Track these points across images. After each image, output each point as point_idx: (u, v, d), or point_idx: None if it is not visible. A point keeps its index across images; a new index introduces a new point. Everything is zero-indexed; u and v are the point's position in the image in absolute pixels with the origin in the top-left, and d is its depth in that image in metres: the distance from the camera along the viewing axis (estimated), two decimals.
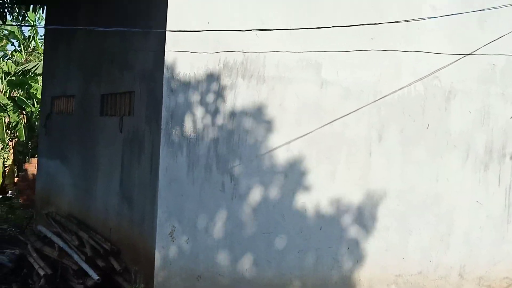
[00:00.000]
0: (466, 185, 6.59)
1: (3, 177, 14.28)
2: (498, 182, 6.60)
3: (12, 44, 15.53)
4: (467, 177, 6.56)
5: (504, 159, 6.64)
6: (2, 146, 14.19)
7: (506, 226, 6.70)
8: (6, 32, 13.29)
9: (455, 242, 6.53)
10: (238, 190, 5.85)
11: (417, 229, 6.40)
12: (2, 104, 14.09)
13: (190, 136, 5.64)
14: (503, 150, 6.65)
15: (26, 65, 15.35)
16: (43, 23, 12.60)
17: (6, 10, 9.82)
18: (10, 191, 14.44)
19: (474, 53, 6.40)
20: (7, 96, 14.63)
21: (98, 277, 6.39)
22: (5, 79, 14.93)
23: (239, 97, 5.78)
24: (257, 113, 5.91)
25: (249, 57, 5.70)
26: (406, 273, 6.34)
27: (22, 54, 16.35)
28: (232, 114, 5.75)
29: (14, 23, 11.46)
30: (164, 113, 5.55)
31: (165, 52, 5.59)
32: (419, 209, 6.43)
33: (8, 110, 14.13)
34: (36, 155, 12.34)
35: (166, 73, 5.58)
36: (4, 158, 14.38)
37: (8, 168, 14.64)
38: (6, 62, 15.58)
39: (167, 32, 5.61)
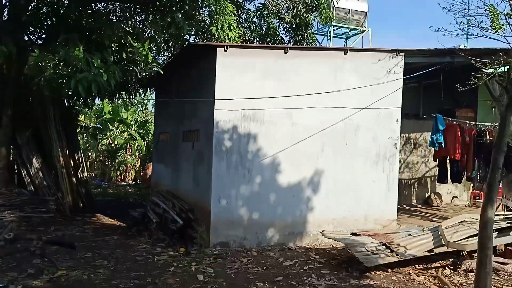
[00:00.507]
0: (367, 173, 8.65)
1: (135, 173, 20.51)
2: (383, 171, 8.72)
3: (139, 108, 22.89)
4: (367, 169, 8.64)
5: (385, 160, 8.72)
6: (134, 158, 20.29)
7: (387, 193, 8.74)
8: (136, 102, 19.83)
9: (362, 202, 8.59)
10: (252, 178, 7.92)
11: (343, 196, 8.45)
12: (135, 136, 20.51)
13: (227, 151, 7.79)
14: (384, 155, 8.74)
15: (146, 117, 22.59)
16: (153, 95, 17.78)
17: (136, 90, 12.99)
18: (138, 180, 19.17)
19: (368, 107, 8.56)
20: (137, 132, 21.04)
21: (182, 222, 8.34)
22: (136, 123, 21.52)
23: (251, 131, 7.96)
24: (260, 138, 8.04)
25: (256, 111, 7.90)
26: (337, 218, 8.43)
27: (143, 111, 23.39)
28: (247, 139, 7.94)
29: (138, 98, 16.68)
30: (214, 140, 7.72)
31: (214, 109, 7.71)
32: (344, 185, 8.49)
33: (138, 139, 20.33)
34: (151, 162, 16.37)
35: (214, 121, 7.71)
36: (135, 163, 20.33)
37: (137, 168, 20.62)
38: (137, 115, 22.38)
39: (215, 100, 7.72)
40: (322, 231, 8.07)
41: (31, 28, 10.68)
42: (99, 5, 11.67)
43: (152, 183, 13.38)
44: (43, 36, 10.80)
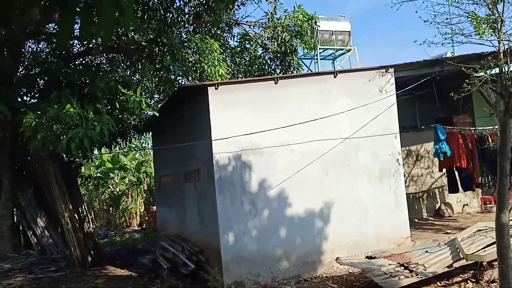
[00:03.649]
0: (373, 192, 8.51)
1: (140, 218, 19.90)
2: (389, 188, 8.60)
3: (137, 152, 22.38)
4: (372, 188, 8.50)
5: (390, 177, 8.61)
6: (137, 203, 19.72)
7: (397, 210, 8.59)
8: (133, 146, 19.50)
9: (372, 222, 8.41)
10: (258, 211, 7.80)
11: (352, 218, 8.29)
12: (135, 180, 20.29)
13: (230, 188, 7.69)
14: (388, 172, 8.63)
15: (144, 159, 21.96)
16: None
17: (132, 137, 12.82)
18: (144, 225, 18.74)
19: (365, 126, 8.54)
20: (137, 176, 20.75)
21: (193, 266, 8.20)
22: (136, 169, 21.11)
23: (252, 164, 7.88)
24: (261, 171, 7.95)
25: (253, 144, 7.86)
26: (349, 242, 8.22)
27: (141, 154, 22.65)
28: (249, 173, 7.86)
29: (135, 143, 17.00)
30: (215, 178, 7.65)
31: (212, 149, 7.69)
32: (351, 207, 8.34)
33: (139, 184, 20.17)
34: (154, 204, 16.07)
35: (214, 160, 7.67)
36: (139, 208, 19.79)
37: (142, 212, 20.04)
38: (134, 159, 21.97)
39: (212, 140, 7.69)
40: (337, 257, 7.86)
41: (23, 89, 10.75)
42: (86, 59, 11.81)
43: (158, 227, 13.26)
44: (36, 95, 10.86)
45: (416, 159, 12.59)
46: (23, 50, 11.23)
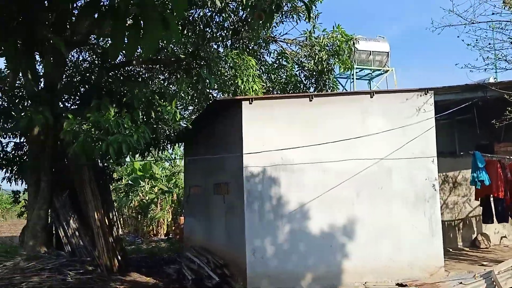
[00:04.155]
0: (406, 217, 8.30)
1: (167, 227, 20.03)
2: (424, 214, 8.35)
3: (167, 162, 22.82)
4: (406, 213, 8.29)
5: (425, 202, 8.37)
6: (165, 212, 19.96)
7: (431, 237, 8.30)
8: (164, 156, 19.78)
9: (404, 248, 8.18)
10: (286, 229, 7.78)
11: (383, 243, 8.10)
12: (165, 190, 20.53)
13: (258, 203, 7.74)
14: (423, 197, 8.39)
15: (174, 170, 22.34)
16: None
17: (165, 147, 12.84)
18: (170, 234, 18.90)
19: (401, 149, 8.39)
20: (166, 186, 21.07)
21: (218, 279, 8.13)
22: (166, 177, 21.61)
23: (281, 181, 7.89)
24: (291, 188, 7.92)
25: (285, 160, 7.86)
26: (379, 267, 7.99)
27: (172, 165, 22.86)
28: (279, 190, 7.85)
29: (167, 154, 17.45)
30: (245, 193, 7.71)
31: (243, 162, 7.77)
32: (383, 231, 8.15)
33: (168, 193, 20.37)
34: (182, 215, 16.55)
35: (244, 173, 7.72)
36: (167, 217, 19.98)
37: (169, 222, 20.19)
38: (164, 168, 22.51)
39: (244, 154, 7.78)
40: (365, 282, 7.70)
41: (65, 95, 11.25)
42: (126, 69, 12.24)
43: (185, 237, 13.41)
44: (77, 102, 11.33)
45: (453, 186, 12.15)
46: (67, 59, 11.76)
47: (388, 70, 24.26)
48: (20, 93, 10.97)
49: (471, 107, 9.62)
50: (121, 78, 11.41)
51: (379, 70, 24.21)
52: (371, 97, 8.62)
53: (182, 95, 13.86)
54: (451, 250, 11.08)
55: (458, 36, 6.05)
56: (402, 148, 8.43)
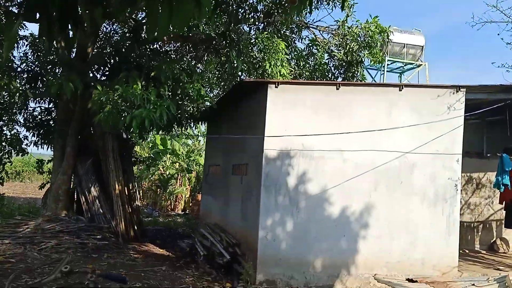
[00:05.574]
0: (424, 214, 8.20)
1: (185, 203, 20.73)
2: (442, 213, 8.22)
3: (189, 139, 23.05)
4: (424, 210, 8.19)
5: (445, 202, 8.23)
6: (184, 188, 20.63)
7: (448, 237, 8.18)
8: (187, 133, 20.54)
9: (419, 245, 8.10)
10: (300, 215, 7.79)
11: (397, 237, 8.05)
12: (185, 167, 21.18)
13: (275, 187, 7.76)
14: (444, 196, 8.25)
15: (195, 147, 22.77)
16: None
17: (188, 124, 13.04)
18: (187, 210, 19.61)
19: (425, 145, 8.20)
20: (187, 163, 21.60)
21: (229, 257, 8.31)
22: (186, 156, 21.97)
23: (300, 166, 7.84)
24: (309, 174, 7.89)
25: (306, 147, 7.80)
26: (391, 261, 7.98)
27: (193, 143, 23.26)
28: (297, 175, 7.83)
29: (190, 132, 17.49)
30: (263, 175, 7.72)
31: (264, 145, 7.77)
32: (398, 226, 8.08)
33: (188, 170, 21.02)
34: (200, 192, 17.01)
35: (264, 156, 7.73)
36: (185, 194, 20.66)
37: (187, 198, 20.87)
38: (184, 144, 22.77)
39: (265, 136, 7.80)
40: (375, 274, 7.69)
41: (96, 66, 11.50)
42: (156, 45, 12.38)
43: (201, 215, 13.63)
44: (106, 73, 11.57)
45: (476, 187, 11.90)
46: (100, 30, 11.98)
47: (421, 64, 23.61)
48: (53, 60, 11.28)
49: (504, 108, 9.30)
50: (151, 53, 11.55)
51: (412, 64, 23.60)
52: (400, 90, 8.45)
53: (209, 75, 13.96)
54: (467, 251, 10.92)
55: (498, 34, 5.86)
56: (427, 144, 8.26)
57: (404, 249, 8.16)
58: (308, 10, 10.81)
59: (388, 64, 23.35)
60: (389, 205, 8.20)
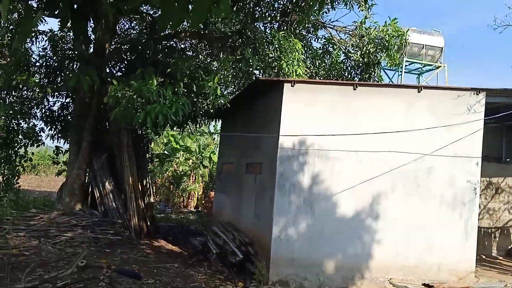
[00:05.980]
0: (441, 218, 8.11)
1: (197, 200, 20.76)
2: (460, 217, 8.13)
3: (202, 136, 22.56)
4: (442, 214, 8.10)
5: (463, 206, 8.14)
6: (197, 185, 20.61)
7: (465, 241, 8.08)
8: (201, 130, 19.71)
9: (435, 249, 8.02)
10: (314, 215, 7.73)
11: (414, 241, 7.96)
12: (199, 164, 21.11)
13: (289, 187, 7.72)
14: (462, 200, 8.16)
15: (209, 147, 22.54)
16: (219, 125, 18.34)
17: (203, 123, 13.41)
18: (200, 208, 19.68)
19: (444, 148, 8.10)
20: (200, 161, 21.55)
21: (242, 256, 8.29)
22: (199, 152, 21.86)
23: (315, 167, 7.83)
24: (324, 175, 7.87)
25: (321, 147, 7.79)
26: (407, 265, 7.91)
27: (206, 139, 22.91)
28: (311, 175, 7.81)
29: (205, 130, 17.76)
30: (277, 174, 7.71)
31: (278, 144, 7.75)
32: (415, 230, 7.99)
33: (201, 167, 20.98)
34: (213, 190, 17.06)
35: (278, 155, 7.73)
36: (198, 191, 20.66)
37: (200, 195, 20.93)
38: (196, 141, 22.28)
39: (280, 135, 7.78)
40: (390, 278, 7.58)
41: (113, 61, 11.57)
42: (172, 42, 12.40)
43: (214, 212, 13.60)
44: (123, 69, 11.64)
45: (495, 192, 11.64)
46: (117, 26, 12.05)
47: (440, 66, 23.18)
48: (71, 55, 11.39)
49: None
50: (167, 50, 11.58)
51: (431, 65, 23.19)
52: (419, 91, 8.32)
53: (224, 73, 13.94)
54: (484, 257, 10.71)
55: None
56: (446, 147, 8.16)
57: (421, 253, 8.06)
58: (330, 6, 10.71)
59: (406, 65, 22.99)
60: (406, 209, 8.11)
